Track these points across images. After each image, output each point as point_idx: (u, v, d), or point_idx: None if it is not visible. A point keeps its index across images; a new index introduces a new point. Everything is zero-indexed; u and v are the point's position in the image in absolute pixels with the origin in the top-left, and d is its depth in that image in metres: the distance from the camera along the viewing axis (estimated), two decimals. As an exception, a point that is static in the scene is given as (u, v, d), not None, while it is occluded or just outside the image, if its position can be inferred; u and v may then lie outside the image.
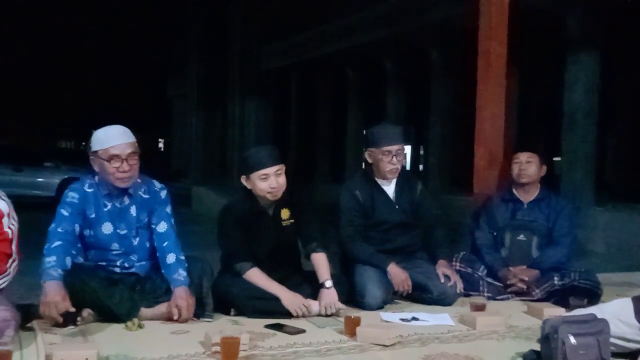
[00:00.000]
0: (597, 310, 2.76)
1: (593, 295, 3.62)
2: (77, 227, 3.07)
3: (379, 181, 3.81)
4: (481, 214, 4.08)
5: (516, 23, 4.80)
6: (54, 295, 2.81)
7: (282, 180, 3.35)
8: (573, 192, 8.41)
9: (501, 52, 4.55)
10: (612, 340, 2.58)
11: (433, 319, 3.28)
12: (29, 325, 2.96)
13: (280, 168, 3.35)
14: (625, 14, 9.02)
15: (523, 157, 3.95)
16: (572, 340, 2.47)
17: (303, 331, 3.01)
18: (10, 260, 2.77)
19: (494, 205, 4.03)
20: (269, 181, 3.32)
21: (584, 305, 3.38)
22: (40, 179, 14.09)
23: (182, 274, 3.11)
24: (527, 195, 4.00)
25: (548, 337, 2.53)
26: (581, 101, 8.70)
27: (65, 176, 13.20)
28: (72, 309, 2.87)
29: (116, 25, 24.47)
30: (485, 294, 3.78)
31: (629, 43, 10.13)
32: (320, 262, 3.40)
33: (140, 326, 2.99)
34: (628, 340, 2.67)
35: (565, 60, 8.88)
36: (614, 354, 2.63)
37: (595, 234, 7.92)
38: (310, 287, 3.41)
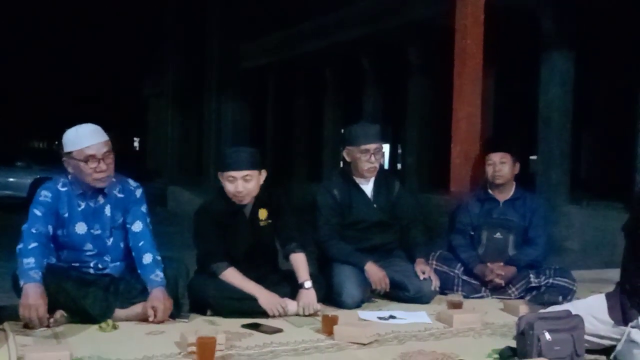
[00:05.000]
0: (572, 306, 2.79)
1: (568, 292, 3.66)
2: (50, 228, 3.02)
3: (357, 180, 3.80)
4: (456, 215, 4.09)
5: (492, 22, 4.83)
6: (35, 298, 2.77)
7: (251, 186, 3.31)
8: (548, 190, 8.51)
9: (477, 51, 4.58)
10: (586, 337, 2.61)
11: (410, 317, 3.29)
12: (0, 327, 2.91)
13: (250, 174, 3.29)
14: (598, 14, 9.14)
15: (496, 157, 3.95)
16: (547, 336, 2.49)
17: (280, 330, 2.99)
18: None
19: (469, 205, 4.05)
20: (234, 184, 3.29)
21: (558, 302, 3.42)
22: (11, 179, 13.89)
23: (159, 274, 3.07)
24: (502, 195, 4.02)
25: (523, 334, 2.55)
26: (556, 100, 8.80)
27: (38, 176, 12.99)
28: (48, 315, 2.83)
29: (91, 23, 24.18)
30: (460, 292, 3.80)
31: (603, 42, 10.27)
32: (299, 262, 3.39)
33: (114, 327, 2.95)
34: (602, 337, 2.70)
35: (540, 59, 8.97)
36: (588, 351, 2.66)
37: (571, 232, 8.02)
38: (288, 286, 3.40)
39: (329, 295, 3.51)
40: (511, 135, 11.04)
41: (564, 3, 8.72)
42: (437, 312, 3.35)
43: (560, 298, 3.57)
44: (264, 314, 3.20)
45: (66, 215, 3.07)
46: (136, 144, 33.04)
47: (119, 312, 3.07)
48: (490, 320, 3.29)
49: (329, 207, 3.73)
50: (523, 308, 3.38)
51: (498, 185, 3.98)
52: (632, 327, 2.59)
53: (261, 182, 3.38)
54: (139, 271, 3.12)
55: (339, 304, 3.47)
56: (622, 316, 2.66)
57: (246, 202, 3.36)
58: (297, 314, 3.25)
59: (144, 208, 3.23)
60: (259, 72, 16.97)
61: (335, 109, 14.85)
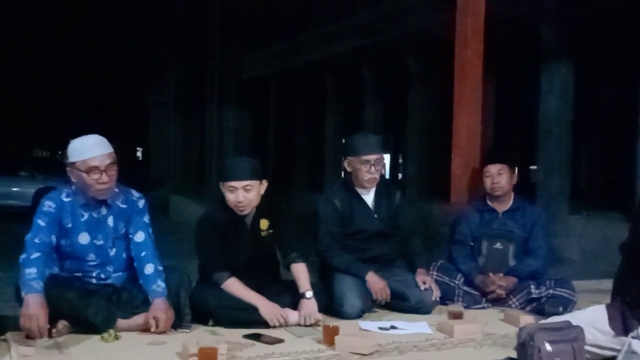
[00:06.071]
0: (572, 317, 2.80)
1: (568, 303, 3.66)
2: (53, 238, 3.03)
3: (358, 190, 3.82)
4: (456, 226, 4.10)
5: (492, 33, 4.86)
6: (36, 308, 2.78)
7: (251, 196, 3.33)
8: (549, 200, 8.51)
9: (477, 61, 4.61)
10: (586, 347, 2.61)
11: (411, 327, 3.30)
12: (2, 337, 2.92)
13: (251, 184, 3.31)
14: (598, 25, 9.18)
15: (494, 169, 3.96)
16: (548, 347, 2.50)
17: (281, 341, 3.00)
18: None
19: (469, 216, 4.06)
20: (235, 194, 3.31)
21: (559, 312, 3.43)
22: (15, 189, 13.92)
23: (160, 285, 3.08)
24: (501, 205, 4.02)
25: (524, 345, 2.56)
26: (556, 110, 8.82)
27: (41, 185, 13.04)
28: (49, 326, 2.84)
29: (94, 32, 24.27)
30: (461, 303, 3.80)
31: (602, 53, 10.30)
32: (301, 272, 3.40)
33: (116, 337, 2.96)
34: (602, 348, 2.71)
35: (540, 70, 9.00)
36: (589, 361, 2.67)
37: (571, 242, 8.02)
38: (289, 296, 3.41)
39: (330, 305, 3.51)
40: (509, 146, 11.07)
41: (563, 14, 8.76)
42: (438, 322, 3.36)
43: (561, 309, 3.57)
44: (265, 324, 3.21)
45: (69, 225, 3.09)
46: (139, 153, 33.10)
47: (121, 322, 3.07)
48: (491, 330, 3.29)
49: (330, 217, 3.74)
50: (524, 319, 3.38)
51: (497, 196, 4.00)
52: (633, 337, 2.60)
53: (262, 192, 3.40)
54: (140, 281, 3.13)
55: (340, 314, 3.48)
56: (622, 327, 2.67)
57: (247, 212, 3.38)
58: (298, 324, 3.26)
59: (146, 218, 3.24)
60: (260, 82, 17.02)
61: (336, 119, 14.88)
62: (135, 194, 3.28)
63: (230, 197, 3.32)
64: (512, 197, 4.04)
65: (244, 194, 3.31)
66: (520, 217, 3.99)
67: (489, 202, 4.05)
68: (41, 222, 3.02)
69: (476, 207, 4.09)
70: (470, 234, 4.01)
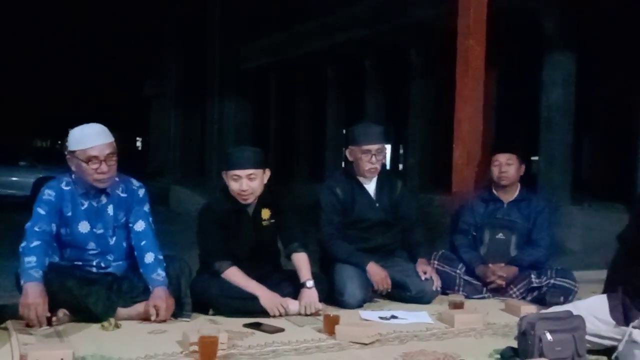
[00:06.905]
0: (573, 307, 2.80)
1: (569, 293, 3.66)
2: (53, 227, 3.03)
3: (360, 179, 3.82)
4: (460, 215, 4.09)
5: (494, 23, 4.84)
6: (35, 297, 2.78)
7: (255, 185, 3.33)
8: (550, 191, 8.50)
9: (479, 51, 4.59)
10: (587, 337, 2.61)
11: (412, 317, 3.30)
12: (3, 325, 2.92)
13: (255, 173, 3.32)
14: (601, 16, 9.14)
15: (502, 158, 3.95)
16: (549, 336, 2.50)
17: (282, 330, 3.00)
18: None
19: (473, 205, 4.04)
20: (239, 183, 3.31)
21: (560, 302, 3.42)
22: (14, 178, 13.93)
23: (161, 273, 3.09)
24: (506, 195, 4.01)
25: (525, 334, 2.56)
26: (558, 101, 8.80)
27: (41, 175, 13.03)
28: (48, 314, 2.84)
29: (93, 23, 24.22)
30: (462, 293, 3.80)
31: (605, 44, 10.26)
32: (302, 262, 3.40)
33: (117, 326, 2.96)
34: (603, 337, 2.70)
35: (543, 61, 8.97)
36: (590, 351, 2.66)
37: (572, 232, 8.01)
38: (290, 285, 3.41)
39: (330, 295, 3.52)
40: (517, 137, 11.06)
41: (566, 4, 8.72)
42: (439, 312, 3.36)
43: (562, 299, 3.57)
44: (265, 313, 3.21)
45: (69, 214, 3.08)
46: (139, 143, 33.10)
47: (121, 311, 3.08)
48: (491, 320, 3.29)
49: (331, 206, 3.74)
50: (525, 308, 3.38)
51: (503, 186, 3.98)
52: (634, 327, 2.60)
53: (265, 181, 3.41)
54: (140, 270, 3.13)
55: (340, 303, 3.48)
56: (623, 316, 2.66)
57: (250, 201, 3.38)
58: (299, 314, 3.26)
59: (146, 207, 3.24)
60: (261, 72, 16.97)
61: (337, 109, 14.84)
62: (136, 183, 3.27)
63: (234, 185, 3.32)
64: (518, 188, 4.03)
65: (248, 182, 3.30)
66: (524, 208, 3.98)
67: (494, 191, 4.03)
68: (41, 211, 3.02)
69: (481, 196, 4.07)
70: (474, 223, 4.00)
